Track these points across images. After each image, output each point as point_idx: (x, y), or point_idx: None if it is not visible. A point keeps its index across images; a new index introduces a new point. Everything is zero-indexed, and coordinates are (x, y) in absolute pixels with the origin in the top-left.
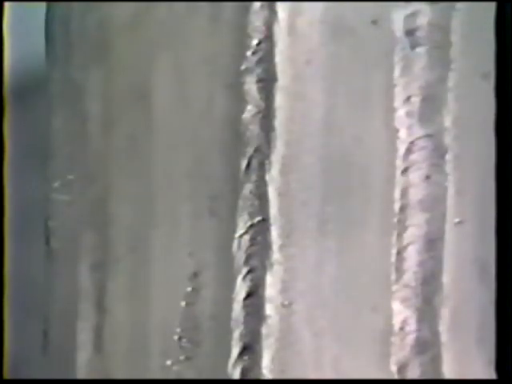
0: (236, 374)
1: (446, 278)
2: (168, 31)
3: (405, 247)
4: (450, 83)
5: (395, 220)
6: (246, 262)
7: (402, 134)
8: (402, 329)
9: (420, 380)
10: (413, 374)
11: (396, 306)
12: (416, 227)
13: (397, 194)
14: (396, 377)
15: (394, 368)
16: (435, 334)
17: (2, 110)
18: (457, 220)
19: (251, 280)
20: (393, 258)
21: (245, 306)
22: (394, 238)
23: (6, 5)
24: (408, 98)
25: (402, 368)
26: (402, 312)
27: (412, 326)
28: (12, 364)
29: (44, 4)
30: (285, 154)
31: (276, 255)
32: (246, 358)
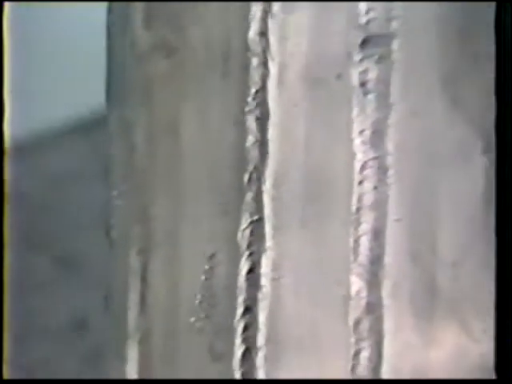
0: (240, 327)
1: (387, 260)
2: (193, 83)
3: (359, 237)
4: (392, 120)
5: (353, 218)
6: (248, 247)
7: (358, 156)
8: (357, 295)
9: (420, 380)
10: (363, 327)
11: (353, 279)
12: (367, 223)
13: (354, 199)
14: (352, 330)
15: (350, 323)
16: (379, 300)
17: (1, 110)
18: (396, 218)
19: (251, 261)
20: (351, 245)
21: (246, 280)
22: (351, 231)
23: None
24: (362, 131)
25: (356, 323)
26: (357, 283)
27: (363, 293)
28: (79, 320)
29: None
30: (276, 171)
31: (269, 243)
32: (247, 316)
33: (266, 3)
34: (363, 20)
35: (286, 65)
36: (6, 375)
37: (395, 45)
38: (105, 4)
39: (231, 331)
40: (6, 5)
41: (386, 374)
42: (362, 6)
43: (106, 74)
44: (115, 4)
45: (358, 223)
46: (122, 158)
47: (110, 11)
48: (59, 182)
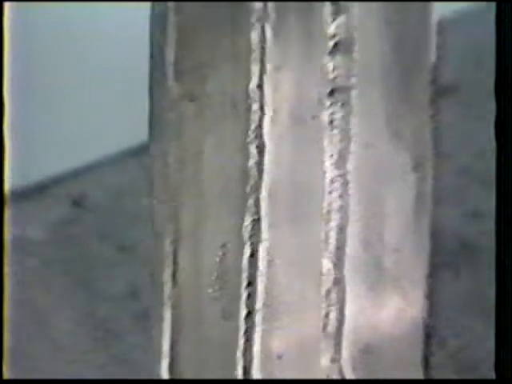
0: (244, 296)
1: (348, 248)
2: (211, 121)
3: (328, 232)
4: (351, 148)
5: (324, 218)
6: (249, 239)
7: (328, 174)
8: (327, 273)
9: (420, 380)
10: (332, 296)
11: (324, 261)
12: (334, 222)
13: (325, 204)
14: (323, 298)
15: (322, 293)
16: (343, 276)
17: (1, 110)
18: (354, 218)
19: (252, 248)
20: (323, 237)
21: (248, 262)
22: (323, 227)
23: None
24: (331, 156)
25: (326, 293)
26: (327, 264)
27: (331, 271)
28: (133, 290)
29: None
30: (269, 184)
31: (264, 236)
32: (249, 288)
33: (262, 65)
34: (331, 76)
35: (276, 109)
36: (6, 376)
37: (353, 94)
38: (145, 62)
39: (237, 299)
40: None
41: (347, 330)
42: (330, 66)
43: (148, 114)
44: (154, 62)
45: (328, 222)
46: (160, 176)
47: (151, 68)
48: (119, 192)
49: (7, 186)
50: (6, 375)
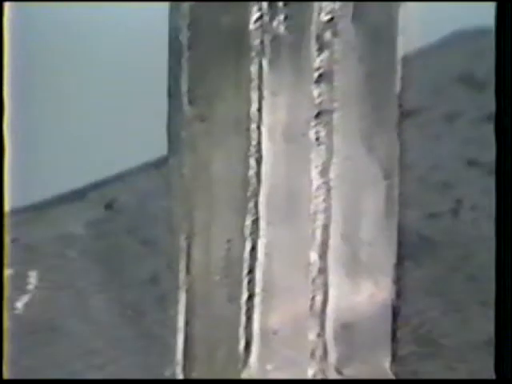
0: (245, 282)
1: (331, 243)
2: (219, 139)
3: (315, 229)
4: (333, 160)
5: (311, 218)
6: (250, 235)
7: (314, 182)
8: (313, 263)
9: (421, 380)
10: (318, 282)
11: (312, 254)
12: (319, 221)
13: (312, 207)
14: (310, 283)
15: (310, 279)
16: (326, 266)
17: (1, 109)
18: (335, 218)
19: (252, 243)
20: (310, 234)
21: (249, 254)
22: (310, 225)
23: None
24: (316, 166)
25: (314, 279)
26: (314, 256)
27: (317, 262)
28: (152, 277)
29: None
30: (267, 189)
31: (262, 232)
32: (249, 276)
33: (260, 92)
34: (317, 101)
35: (272, 128)
36: (6, 376)
37: (335, 116)
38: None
39: (240, 284)
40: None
41: (330, 310)
42: (316, 93)
43: (167, 132)
44: (171, 90)
45: (314, 221)
46: (177, 183)
47: (168, 95)
48: (143, 197)
49: (51, 192)
50: (6, 375)
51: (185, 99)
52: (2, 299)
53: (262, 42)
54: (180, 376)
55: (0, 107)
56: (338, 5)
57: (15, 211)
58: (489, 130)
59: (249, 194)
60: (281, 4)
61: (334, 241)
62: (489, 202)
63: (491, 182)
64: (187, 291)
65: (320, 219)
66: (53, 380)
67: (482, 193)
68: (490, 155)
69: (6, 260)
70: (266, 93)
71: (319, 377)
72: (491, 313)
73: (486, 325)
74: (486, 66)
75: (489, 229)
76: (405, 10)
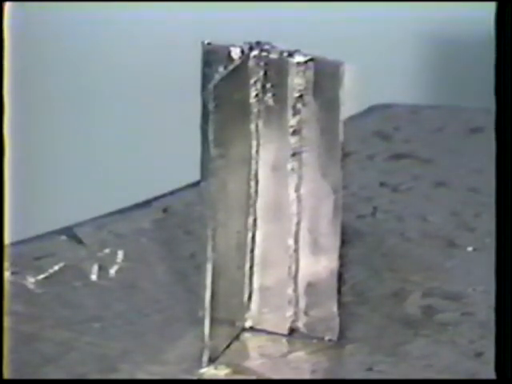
0: (248, 257)
1: (301, 234)
2: (232, 171)
3: (291, 225)
4: (303, 183)
5: (288, 218)
6: (251, 228)
7: (291, 195)
8: (290, 246)
9: (421, 380)
10: (293, 257)
11: (289, 240)
12: (294, 220)
13: (290, 211)
14: (288, 256)
15: (288, 254)
16: (298, 247)
17: (1, 109)
18: (304, 218)
19: (252, 233)
20: (288, 228)
21: (251, 240)
22: (288, 223)
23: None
24: (292, 187)
25: (291, 255)
26: (290, 241)
27: (293, 245)
28: (192, 254)
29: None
30: (262, 201)
31: (259, 227)
32: (251, 252)
33: (258, 141)
34: (292, 146)
35: (265, 162)
36: (6, 375)
37: (304, 155)
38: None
39: (245, 258)
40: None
41: (300, 275)
42: (292, 140)
43: (200, 165)
44: (203, 136)
45: (291, 220)
46: (206, 197)
47: (201, 141)
48: (187, 205)
49: (129, 201)
50: (6, 375)
51: (211, 144)
52: (2, 299)
53: (258, 110)
54: (208, 316)
55: (0, 108)
56: (304, 85)
57: (107, 215)
58: (393, 166)
59: (250, 203)
60: (269, 85)
61: (303, 232)
62: (394, 208)
63: (396, 197)
64: (213, 263)
65: (295, 219)
66: (53, 380)
67: (390, 203)
68: (395, 180)
69: (6, 262)
70: (261, 141)
71: (294, 318)
72: (399, 275)
73: (392, 282)
74: (391, 125)
75: (395, 225)
76: (344, 89)
